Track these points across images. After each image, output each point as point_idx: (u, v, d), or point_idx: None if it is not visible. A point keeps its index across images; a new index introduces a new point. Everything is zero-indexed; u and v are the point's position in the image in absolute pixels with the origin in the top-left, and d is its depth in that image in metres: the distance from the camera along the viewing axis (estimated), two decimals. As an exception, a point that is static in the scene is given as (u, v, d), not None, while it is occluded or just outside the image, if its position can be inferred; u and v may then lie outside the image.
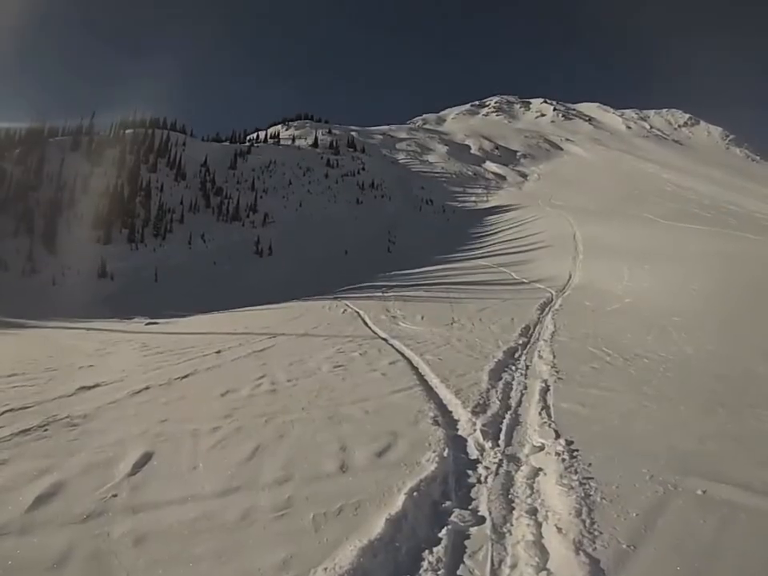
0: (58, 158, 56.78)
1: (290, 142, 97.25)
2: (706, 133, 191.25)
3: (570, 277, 22.53)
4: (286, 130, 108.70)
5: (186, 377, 7.00)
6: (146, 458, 3.92)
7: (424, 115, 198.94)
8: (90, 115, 73.12)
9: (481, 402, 5.40)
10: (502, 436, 4.46)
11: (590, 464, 3.72)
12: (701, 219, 46.42)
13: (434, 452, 3.97)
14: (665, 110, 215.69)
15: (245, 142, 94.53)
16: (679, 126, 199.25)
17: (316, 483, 3.49)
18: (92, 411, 5.21)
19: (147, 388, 6.28)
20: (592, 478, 3.48)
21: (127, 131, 73.76)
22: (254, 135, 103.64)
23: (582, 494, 3.24)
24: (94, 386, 6.42)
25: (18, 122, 64.93)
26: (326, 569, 2.51)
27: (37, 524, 2.96)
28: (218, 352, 9.10)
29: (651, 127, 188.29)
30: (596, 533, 2.81)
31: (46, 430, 4.54)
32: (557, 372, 6.69)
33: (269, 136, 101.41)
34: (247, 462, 3.85)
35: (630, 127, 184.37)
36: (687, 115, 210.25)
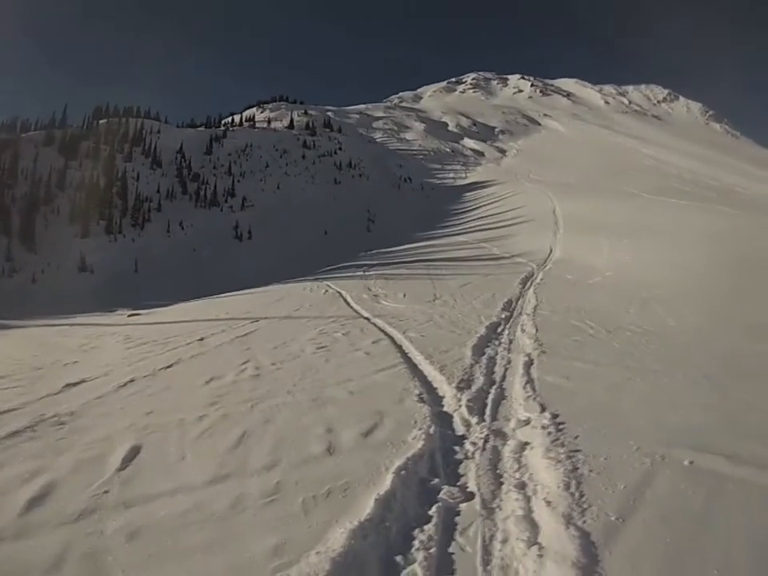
0: (31, 154, 55.85)
1: (265, 125, 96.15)
2: (685, 108, 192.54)
3: (551, 251, 22.54)
4: (261, 112, 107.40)
5: (170, 366, 6.99)
6: (135, 452, 3.91)
7: (400, 93, 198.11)
8: (62, 108, 71.87)
9: (465, 377, 5.42)
10: (487, 411, 4.48)
11: (576, 437, 3.74)
12: (680, 193, 46.55)
13: (420, 429, 3.99)
14: (643, 86, 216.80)
15: (220, 127, 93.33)
16: (658, 101, 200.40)
17: (304, 467, 3.50)
18: (79, 408, 5.18)
19: (132, 380, 6.25)
20: (579, 451, 3.50)
21: (101, 122, 72.63)
22: (230, 119, 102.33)
23: (570, 467, 3.26)
24: (79, 383, 6.38)
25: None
26: (318, 553, 2.52)
27: (31, 527, 2.95)
28: (201, 339, 9.07)
29: (630, 102, 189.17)
30: (585, 506, 2.83)
31: (34, 431, 4.51)
32: (540, 345, 6.71)
33: (244, 119, 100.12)
34: (235, 450, 3.85)
35: (608, 102, 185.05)
36: (666, 90, 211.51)
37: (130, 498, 3.22)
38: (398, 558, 2.57)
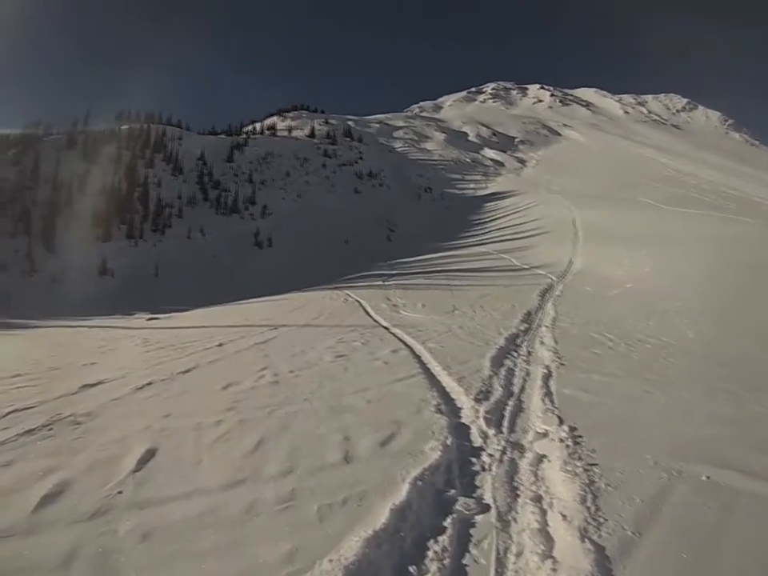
0: (53, 157, 56.53)
1: (286, 133, 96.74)
2: (704, 117, 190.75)
3: (571, 262, 22.47)
4: (282, 121, 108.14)
5: (188, 371, 7.02)
6: (150, 454, 3.92)
7: (420, 103, 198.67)
8: (85, 113, 73.01)
9: (483, 389, 5.40)
10: (505, 423, 4.45)
11: (593, 450, 3.71)
12: (700, 204, 46.08)
13: (438, 440, 3.97)
14: (662, 95, 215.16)
15: (241, 135, 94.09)
16: (677, 110, 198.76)
17: (320, 474, 3.49)
18: (95, 409, 5.22)
19: (150, 383, 6.28)
20: (596, 465, 3.47)
21: (122, 127, 73.51)
22: (251, 127, 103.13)
23: (587, 481, 3.23)
24: (96, 384, 6.43)
25: (11, 128, 64.92)
26: (331, 560, 2.51)
27: (43, 524, 2.96)
28: (220, 345, 9.11)
29: (649, 112, 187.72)
30: (601, 519, 2.81)
31: (50, 430, 4.54)
32: (559, 358, 6.68)
33: (265, 128, 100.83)
34: (251, 455, 3.85)
35: (627, 112, 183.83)
36: (685, 100, 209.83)
37: (144, 499, 3.23)
38: (412, 569, 2.55)
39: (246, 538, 2.77)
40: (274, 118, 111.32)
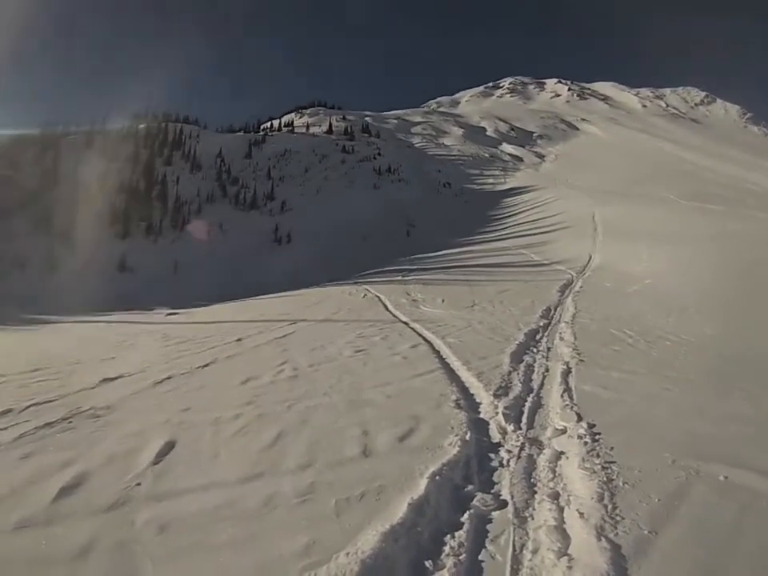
0: (73, 157, 57.23)
1: (304, 130, 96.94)
2: (722, 111, 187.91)
3: (590, 258, 22.30)
4: (300, 117, 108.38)
5: (207, 365, 7.08)
6: (169, 447, 3.96)
7: (438, 98, 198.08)
8: (103, 113, 73.87)
9: (503, 384, 5.37)
10: (524, 419, 4.43)
11: (612, 448, 3.67)
12: (719, 199, 45.45)
13: (457, 435, 3.96)
14: (680, 88, 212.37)
15: (259, 131, 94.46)
16: (695, 104, 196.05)
17: (338, 468, 3.50)
18: (115, 402, 5.29)
19: (169, 378, 6.36)
20: (614, 462, 3.43)
21: (140, 126, 74.18)
22: (268, 124, 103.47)
23: (605, 479, 3.20)
24: (116, 378, 6.51)
25: (30, 128, 65.75)
26: (347, 554, 2.51)
27: (61, 515, 3.00)
28: (239, 340, 9.17)
29: (667, 105, 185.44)
30: (618, 518, 2.78)
31: (69, 422, 4.61)
32: (578, 354, 6.62)
33: (283, 124, 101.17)
34: (269, 449, 3.87)
35: (645, 106, 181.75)
36: (703, 93, 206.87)
37: (163, 491, 3.26)
38: (428, 563, 2.54)
39: (263, 531, 2.79)
40: (292, 115, 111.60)
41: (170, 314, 19.16)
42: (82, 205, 49.93)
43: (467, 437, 3.93)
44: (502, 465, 3.59)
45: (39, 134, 63.63)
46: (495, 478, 3.41)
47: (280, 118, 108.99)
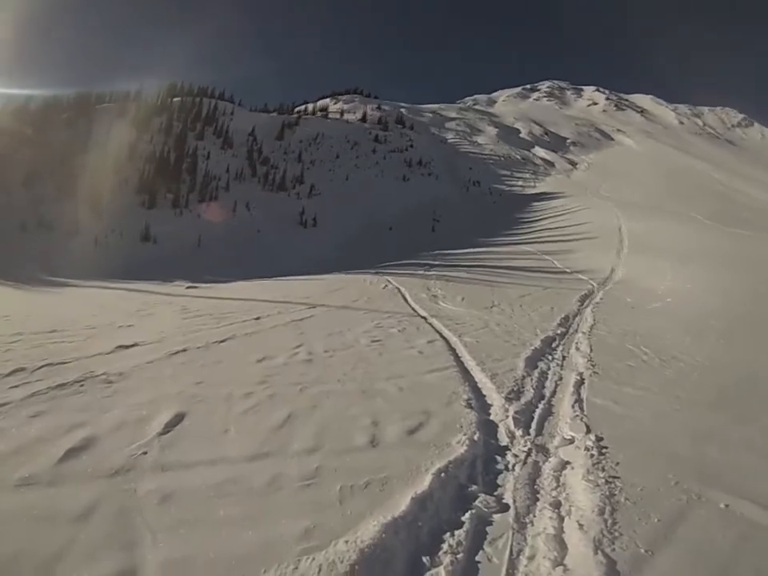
0: (105, 124, 57.84)
1: (338, 116, 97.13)
2: (759, 135, 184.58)
3: (613, 271, 22.07)
4: (335, 103, 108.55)
5: (223, 341, 7.15)
6: (179, 419, 4.01)
7: (474, 96, 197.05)
8: (138, 83, 74.40)
9: (515, 388, 5.35)
10: (533, 425, 4.41)
11: (617, 463, 3.65)
12: (750, 223, 44.77)
13: (465, 435, 3.96)
14: (719, 108, 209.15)
15: (293, 114, 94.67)
16: (732, 125, 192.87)
17: (345, 455, 3.52)
18: (128, 370, 5.36)
19: (185, 350, 6.43)
20: (618, 478, 3.41)
21: (175, 99, 74.69)
22: (303, 107, 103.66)
23: (607, 493, 3.18)
24: (132, 345, 6.60)
25: (66, 88, 66.28)
26: (347, 541, 2.53)
27: (66, 476, 3.06)
28: (257, 319, 9.25)
29: (704, 124, 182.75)
30: (616, 533, 2.77)
31: (82, 386, 4.70)
32: (593, 366, 6.57)
33: (317, 109, 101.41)
34: (278, 430, 3.91)
35: (682, 122, 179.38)
36: (741, 115, 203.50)
37: (168, 462, 3.31)
38: (425, 559, 2.56)
39: (266, 511, 2.82)
40: (327, 100, 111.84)
41: (190, 287, 19.35)
42: (111, 172, 50.48)
43: (475, 437, 3.93)
44: (507, 468, 3.59)
45: (74, 98, 64.30)
46: (499, 481, 3.41)
47: (315, 102, 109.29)
